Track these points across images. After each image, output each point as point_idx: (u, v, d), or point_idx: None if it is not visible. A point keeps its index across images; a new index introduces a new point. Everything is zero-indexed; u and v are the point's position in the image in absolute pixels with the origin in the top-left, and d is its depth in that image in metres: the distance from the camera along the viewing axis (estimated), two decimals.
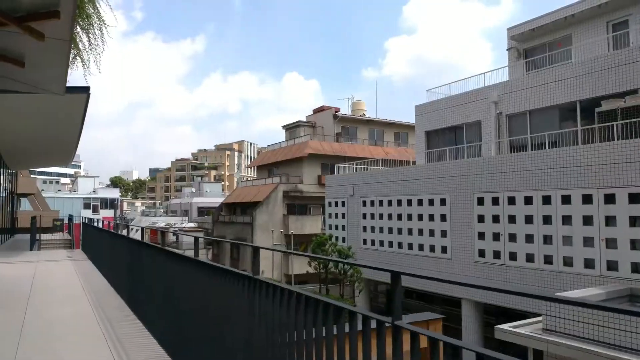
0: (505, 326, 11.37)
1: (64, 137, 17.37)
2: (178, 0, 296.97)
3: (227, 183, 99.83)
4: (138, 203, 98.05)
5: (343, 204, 24.26)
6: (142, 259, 7.01)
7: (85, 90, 12.55)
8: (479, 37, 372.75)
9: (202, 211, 54.02)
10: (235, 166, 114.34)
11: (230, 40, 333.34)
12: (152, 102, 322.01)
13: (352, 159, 32.79)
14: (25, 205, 38.98)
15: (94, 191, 61.68)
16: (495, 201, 16.44)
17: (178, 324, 5.29)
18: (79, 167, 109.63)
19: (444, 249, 18.33)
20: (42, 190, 49.68)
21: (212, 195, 58.20)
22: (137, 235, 8.69)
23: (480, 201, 16.94)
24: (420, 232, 19.38)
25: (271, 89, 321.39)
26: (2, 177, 20.51)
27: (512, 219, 15.94)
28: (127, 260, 8.18)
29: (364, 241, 22.70)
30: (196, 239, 5.54)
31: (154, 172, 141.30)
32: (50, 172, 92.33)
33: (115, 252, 9.50)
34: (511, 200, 15.97)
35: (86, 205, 57.96)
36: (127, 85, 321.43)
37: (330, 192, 25.36)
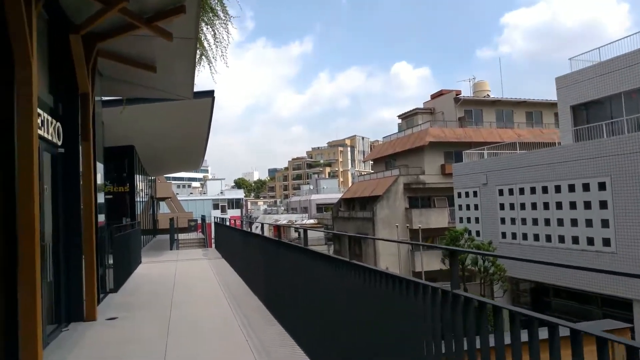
0: None
1: (194, 142, 18.13)
2: (286, 5, 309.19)
3: (341, 179, 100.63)
4: (260, 202, 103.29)
5: (475, 194, 22.23)
6: (281, 260, 6.41)
7: (210, 94, 12.71)
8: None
9: (320, 207, 54.73)
10: (349, 161, 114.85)
11: (337, 37, 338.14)
12: (267, 106, 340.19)
13: (478, 144, 30.22)
14: (163, 208, 42.72)
15: (221, 192, 66.02)
16: None
17: (331, 336, 4.48)
18: (207, 171, 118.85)
19: (605, 242, 15.61)
20: (177, 193, 54.25)
21: (329, 192, 58.73)
22: (257, 230, 8.32)
23: None
24: (574, 222, 16.78)
25: (380, 82, 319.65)
26: (143, 183, 22.22)
27: None
28: (262, 260, 7.72)
29: (503, 234, 20.49)
30: (350, 237, 4.68)
31: (272, 172, 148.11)
32: (183, 177, 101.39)
33: (249, 251, 9.17)
34: None
35: (215, 206, 62.15)
36: (244, 92, 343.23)
37: (459, 182, 23.46)
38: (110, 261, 8.77)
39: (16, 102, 3.87)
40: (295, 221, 47.60)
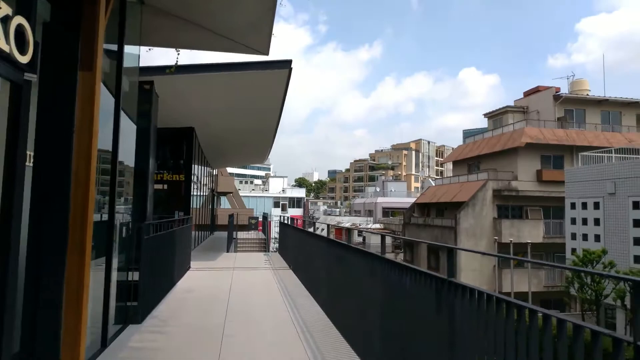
0: None
1: (263, 126, 15.33)
2: (359, 10, 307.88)
3: (405, 182, 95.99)
4: (320, 202, 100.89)
5: (596, 205, 17.94)
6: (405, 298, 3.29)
7: (287, 64, 9.80)
8: None
9: (386, 211, 50.97)
10: (413, 165, 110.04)
11: (407, 42, 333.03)
12: (331, 108, 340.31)
13: (582, 148, 25.67)
14: (224, 203, 40.97)
15: (283, 191, 63.91)
16: None
17: None
18: (269, 169, 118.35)
19: None
20: (239, 189, 52.65)
21: (397, 195, 54.78)
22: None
23: None
24: None
25: (446, 87, 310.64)
26: (203, 174, 19.93)
27: None
28: (380, 297, 4.66)
29: (636, 259, 16.16)
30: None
31: (332, 173, 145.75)
32: (245, 174, 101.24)
33: (342, 275, 6.12)
34: None
35: (276, 204, 60.09)
36: (310, 94, 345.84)
37: (574, 190, 19.21)
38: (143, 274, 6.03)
39: None
40: (360, 224, 44.26)
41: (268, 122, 14.41)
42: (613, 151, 19.33)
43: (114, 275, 5.32)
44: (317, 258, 7.69)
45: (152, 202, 8.63)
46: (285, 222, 14.30)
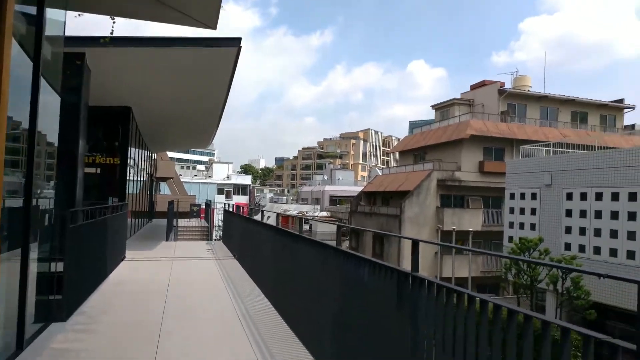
0: None
1: (207, 109, 14.56)
2: None
3: (353, 171, 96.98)
4: (266, 190, 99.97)
5: (534, 196, 18.68)
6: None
7: (236, 42, 9.21)
8: (635, 16, 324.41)
9: (333, 200, 51.16)
10: (361, 154, 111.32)
11: (358, 31, 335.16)
12: (280, 94, 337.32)
13: (522, 142, 26.75)
14: (164, 189, 39.40)
15: (227, 177, 62.46)
16: None
17: None
18: (213, 154, 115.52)
19: None
20: (181, 175, 50.85)
21: (344, 183, 55.09)
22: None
23: None
24: None
25: (395, 78, 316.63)
26: (141, 158, 18.85)
27: None
28: (314, 281, 4.38)
29: (567, 246, 17.02)
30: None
31: (279, 160, 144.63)
32: (188, 159, 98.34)
33: (284, 261, 5.81)
34: None
35: (220, 191, 58.69)
36: (258, 78, 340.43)
37: (514, 181, 19.90)
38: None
39: None
40: (307, 212, 44.13)
41: (213, 104, 13.69)
42: (551, 145, 20.20)
43: (33, 267, 4.70)
44: (264, 247, 7.31)
45: (82, 186, 7.86)
46: (230, 209, 13.75)
